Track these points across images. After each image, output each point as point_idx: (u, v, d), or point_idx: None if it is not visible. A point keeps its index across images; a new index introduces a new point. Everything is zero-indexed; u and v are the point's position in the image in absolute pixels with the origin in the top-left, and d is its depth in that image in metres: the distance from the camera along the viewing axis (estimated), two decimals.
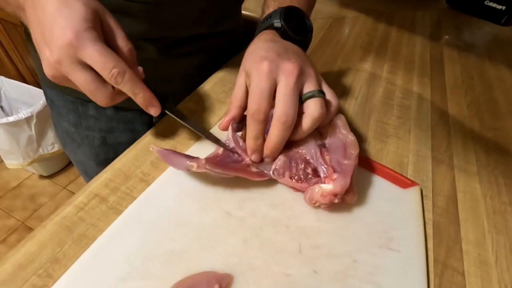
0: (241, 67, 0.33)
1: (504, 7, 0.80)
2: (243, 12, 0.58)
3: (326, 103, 0.32)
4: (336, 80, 0.52)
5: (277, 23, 0.35)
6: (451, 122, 0.47)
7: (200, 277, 0.24)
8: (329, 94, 0.32)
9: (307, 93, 0.30)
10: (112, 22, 0.28)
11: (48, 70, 0.27)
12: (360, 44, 0.64)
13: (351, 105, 0.47)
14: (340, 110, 0.46)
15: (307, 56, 0.35)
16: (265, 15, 0.38)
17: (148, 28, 0.42)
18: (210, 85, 0.46)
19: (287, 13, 0.36)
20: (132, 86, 0.28)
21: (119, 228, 0.27)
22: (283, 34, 0.35)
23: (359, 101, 0.48)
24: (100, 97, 0.28)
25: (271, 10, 0.38)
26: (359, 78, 0.54)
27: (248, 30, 0.44)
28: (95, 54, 0.25)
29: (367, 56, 0.60)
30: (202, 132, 0.34)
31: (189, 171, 0.30)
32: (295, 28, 0.36)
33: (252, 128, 0.30)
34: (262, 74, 0.29)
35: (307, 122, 0.30)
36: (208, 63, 0.51)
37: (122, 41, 0.29)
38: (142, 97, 0.29)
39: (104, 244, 0.26)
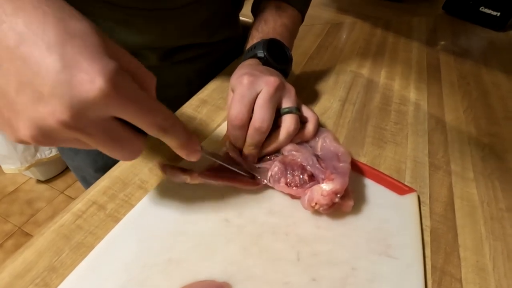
0: (229, 87, 0.35)
1: (499, 13, 0.81)
2: (241, 18, 0.58)
3: (304, 119, 0.35)
4: (333, 86, 0.52)
5: (260, 53, 0.38)
6: (448, 127, 0.47)
7: (199, 286, 0.24)
8: (308, 112, 0.35)
9: (285, 108, 0.33)
10: (131, 58, 0.20)
11: (36, 133, 0.17)
12: (358, 50, 0.65)
13: (349, 111, 0.47)
14: (338, 116, 0.46)
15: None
16: (249, 46, 0.41)
17: (149, 39, 0.43)
18: (208, 92, 0.47)
19: (270, 44, 0.39)
20: (179, 135, 0.22)
21: (117, 236, 0.27)
22: (266, 63, 0.38)
23: (357, 107, 0.48)
24: (127, 152, 0.21)
25: (255, 41, 0.41)
26: (356, 83, 0.54)
27: (246, 36, 0.45)
28: (137, 107, 0.19)
29: (364, 62, 0.61)
30: (232, 166, 0.32)
31: (185, 183, 0.31)
32: (276, 58, 0.39)
33: (231, 134, 0.32)
34: (244, 84, 0.31)
35: (282, 135, 0.32)
36: (209, 68, 0.52)
37: (149, 78, 0.21)
38: (186, 144, 0.23)
39: (102, 252, 0.26)
